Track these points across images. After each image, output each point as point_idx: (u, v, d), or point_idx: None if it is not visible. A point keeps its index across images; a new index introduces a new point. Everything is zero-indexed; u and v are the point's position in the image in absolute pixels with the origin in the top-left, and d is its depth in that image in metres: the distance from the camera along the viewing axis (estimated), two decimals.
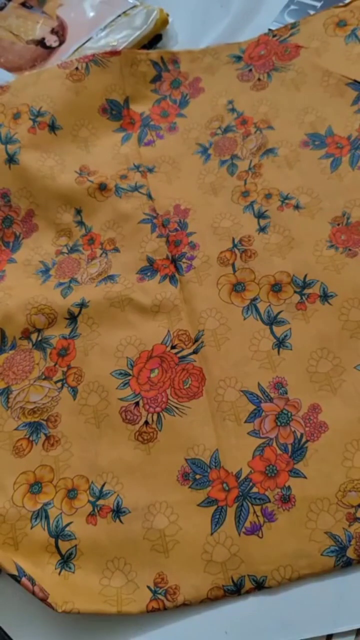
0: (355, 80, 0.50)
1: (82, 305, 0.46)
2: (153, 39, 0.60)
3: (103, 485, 0.39)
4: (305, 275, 0.44)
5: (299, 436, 0.38)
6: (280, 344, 0.42)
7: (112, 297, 0.46)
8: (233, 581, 0.35)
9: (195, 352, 0.43)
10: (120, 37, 0.59)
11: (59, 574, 0.37)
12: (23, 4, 0.65)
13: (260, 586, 0.35)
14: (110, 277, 0.47)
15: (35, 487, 0.40)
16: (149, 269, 0.47)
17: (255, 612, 0.35)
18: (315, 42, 0.53)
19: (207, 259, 0.47)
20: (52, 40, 0.62)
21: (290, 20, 0.56)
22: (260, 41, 0.55)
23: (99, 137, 0.55)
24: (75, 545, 0.37)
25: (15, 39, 0.63)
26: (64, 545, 0.38)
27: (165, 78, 0.57)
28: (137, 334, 0.44)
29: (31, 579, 0.35)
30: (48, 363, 0.44)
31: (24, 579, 0.35)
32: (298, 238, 0.46)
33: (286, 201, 0.48)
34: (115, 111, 0.55)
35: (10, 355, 0.45)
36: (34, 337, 0.46)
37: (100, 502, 0.39)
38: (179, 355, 0.43)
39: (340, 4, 0.54)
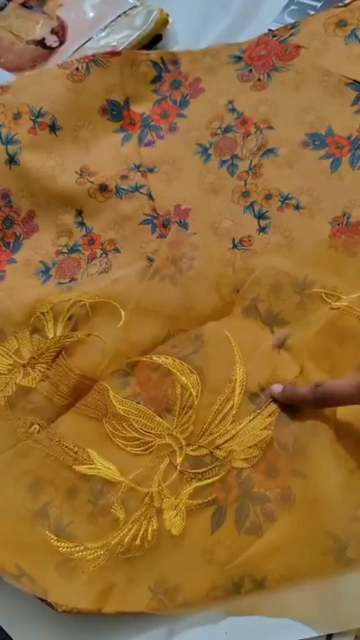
0: (355, 80, 0.50)
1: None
2: (153, 39, 0.60)
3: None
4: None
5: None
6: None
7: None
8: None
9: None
10: (120, 37, 0.59)
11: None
12: (23, 4, 0.65)
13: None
14: None
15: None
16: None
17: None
18: (315, 42, 0.53)
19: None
20: (52, 41, 0.62)
21: (290, 21, 0.56)
22: (260, 41, 0.55)
23: (100, 137, 0.55)
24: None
25: (15, 39, 0.63)
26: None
27: (165, 78, 0.57)
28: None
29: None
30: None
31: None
32: (298, 238, 0.46)
33: (286, 201, 0.48)
34: (116, 112, 0.55)
35: None
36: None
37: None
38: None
39: (340, 4, 0.54)
